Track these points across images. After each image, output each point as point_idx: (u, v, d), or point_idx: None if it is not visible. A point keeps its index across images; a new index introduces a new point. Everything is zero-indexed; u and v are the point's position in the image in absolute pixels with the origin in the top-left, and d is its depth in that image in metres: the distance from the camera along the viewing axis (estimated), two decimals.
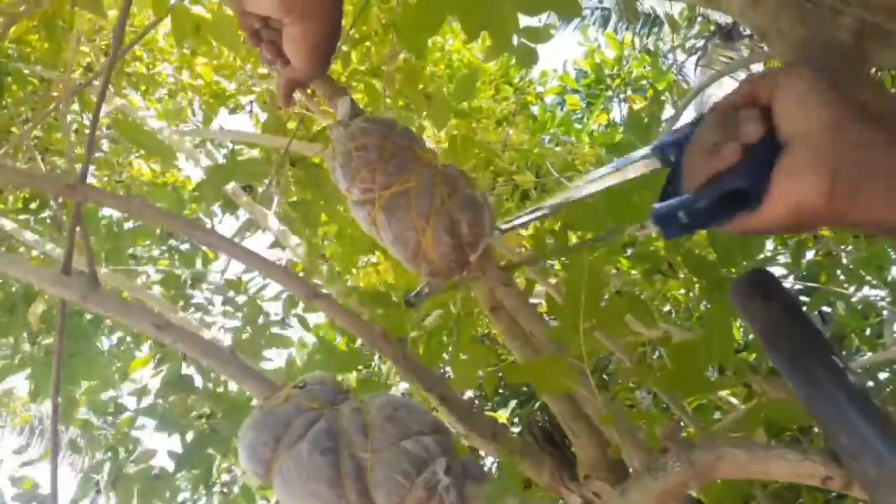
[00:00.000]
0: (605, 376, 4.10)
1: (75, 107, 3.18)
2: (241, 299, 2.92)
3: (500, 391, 5.04)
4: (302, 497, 0.73)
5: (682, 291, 2.91)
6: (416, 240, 0.91)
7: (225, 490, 3.40)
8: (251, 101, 3.15)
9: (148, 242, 3.25)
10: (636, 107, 6.22)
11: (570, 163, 3.52)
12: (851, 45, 1.23)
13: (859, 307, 3.19)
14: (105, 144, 3.85)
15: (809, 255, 3.28)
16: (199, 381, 2.81)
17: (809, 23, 1.00)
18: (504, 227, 0.92)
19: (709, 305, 1.52)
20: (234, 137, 2.80)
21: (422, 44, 1.38)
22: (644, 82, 6.61)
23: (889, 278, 2.97)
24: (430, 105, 1.73)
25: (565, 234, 2.00)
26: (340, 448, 0.73)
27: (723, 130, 0.52)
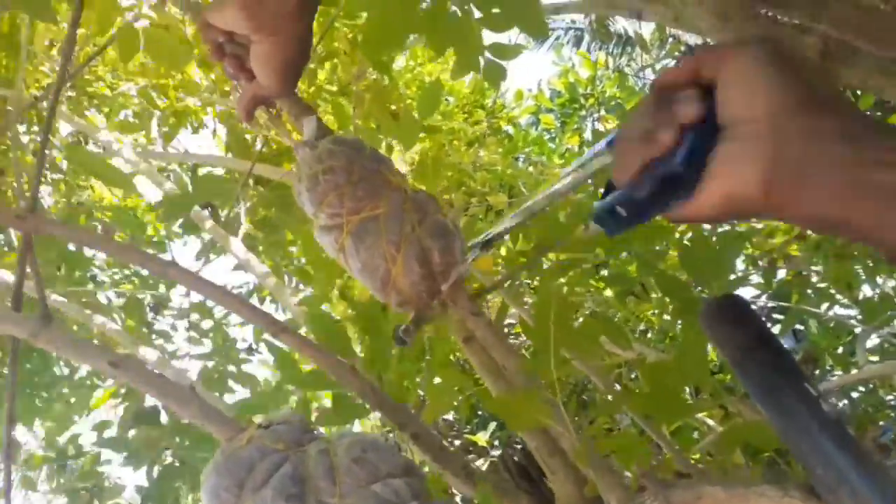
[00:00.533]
0: (584, 397, 4.08)
1: (36, 126, 3.10)
2: (206, 324, 2.85)
3: (479, 413, 4.99)
4: None
5: (656, 312, 2.91)
6: (385, 268, 0.87)
7: None
8: (215, 122, 3.11)
9: (105, 267, 3.16)
10: (609, 126, 6.29)
11: (541, 182, 3.53)
12: (817, 63, 1.24)
13: (831, 325, 3.23)
14: (65, 165, 3.76)
15: (781, 273, 3.32)
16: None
17: (777, 40, 1.00)
18: (481, 240, 0.88)
19: (683, 327, 1.51)
20: (199, 160, 2.75)
21: (387, 60, 1.36)
22: (616, 102, 6.70)
23: (860, 297, 3.02)
24: (398, 125, 1.71)
25: (538, 255, 1.98)
26: (307, 494, 0.70)
27: (660, 113, 0.48)
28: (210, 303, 2.86)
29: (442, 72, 3.48)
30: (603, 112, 6.65)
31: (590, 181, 0.70)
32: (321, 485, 0.70)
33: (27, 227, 0.81)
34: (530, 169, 3.99)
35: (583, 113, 6.82)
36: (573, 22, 11.43)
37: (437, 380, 1.67)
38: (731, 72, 0.45)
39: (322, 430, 0.89)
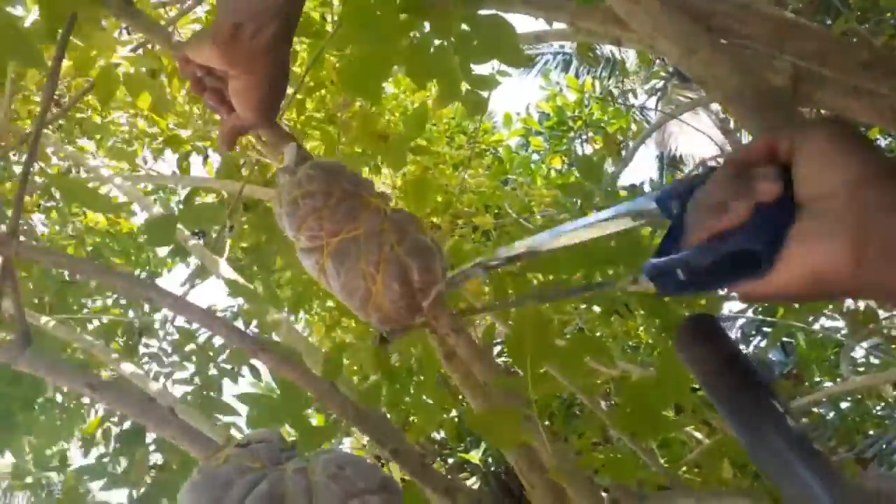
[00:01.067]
0: (575, 410, 4.06)
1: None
2: (190, 347, 2.83)
3: (473, 431, 4.96)
4: None
5: (643, 328, 2.93)
6: (365, 288, 0.89)
7: None
8: (207, 149, 3.12)
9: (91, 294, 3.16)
10: (597, 147, 6.36)
11: (526, 204, 3.56)
12: (789, 89, 1.27)
13: (819, 337, 3.25)
14: (58, 194, 3.76)
15: None
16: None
17: (745, 69, 1.03)
18: (479, 264, 0.89)
19: (662, 345, 1.53)
20: (188, 183, 2.76)
21: (373, 89, 1.38)
22: (603, 124, 6.78)
23: (845, 309, 3.04)
24: (385, 147, 1.73)
25: (525, 278, 1.99)
26: None
27: (734, 187, 0.48)
28: (193, 326, 2.85)
29: (427, 98, 3.53)
30: (591, 134, 6.72)
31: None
32: (298, 502, 0.70)
33: (7, 251, 0.82)
34: (516, 191, 4.03)
35: (571, 135, 6.89)
36: (561, 47, 11.59)
37: (426, 399, 1.68)
38: (808, 150, 0.45)
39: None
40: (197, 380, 2.63)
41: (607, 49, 11.04)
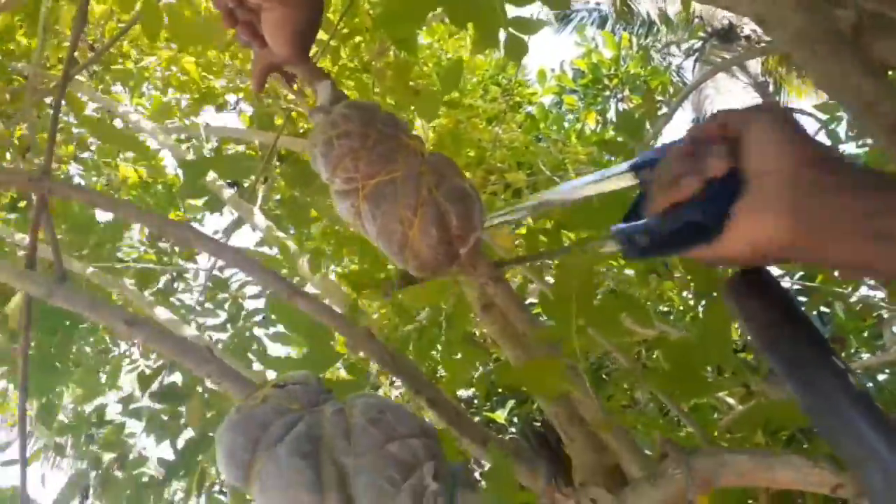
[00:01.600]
0: (604, 376, 4.05)
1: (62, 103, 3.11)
2: (223, 296, 2.85)
3: (499, 391, 4.99)
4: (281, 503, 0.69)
5: (676, 291, 2.88)
6: (402, 232, 0.86)
7: (225, 489, 3.33)
8: (238, 100, 3.11)
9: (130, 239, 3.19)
10: (633, 106, 6.20)
11: (560, 161, 3.49)
12: (849, 38, 1.20)
13: (857, 308, 3.17)
14: (93, 144, 3.79)
15: None
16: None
17: (809, 11, 0.96)
18: (490, 222, 0.88)
19: (705, 305, 1.48)
20: (221, 134, 2.75)
21: (409, 37, 1.33)
22: (640, 82, 6.59)
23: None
24: (418, 99, 1.69)
25: (558, 234, 1.96)
26: (321, 452, 0.69)
27: (688, 162, 0.52)
28: (226, 274, 2.87)
29: (461, 48, 3.45)
30: (627, 92, 6.55)
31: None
32: (336, 444, 0.69)
33: (40, 188, 0.81)
34: (549, 148, 3.94)
35: (606, 93, 6.72)
36: (597, 3, 11.28)
37: (455, 356, 1.67)
38: (755, 131, 0.50)
39: None
40: (230, 327, 2.65)
41: (644, 8, 10.72)
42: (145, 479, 2.66)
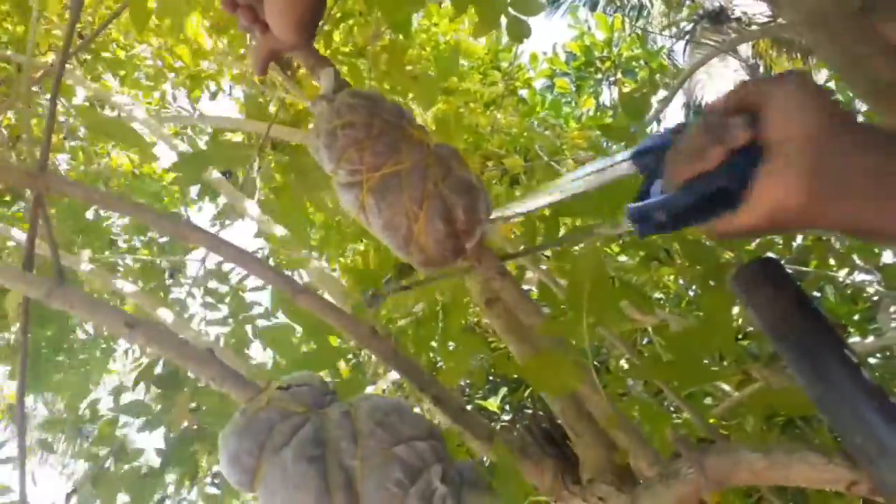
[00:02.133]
0: (595, 363, 4.04)
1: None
2: (223, 289, 2.83)
3: (490, 378, 5.00)
4: None
5: (672, 279, 2.88)
6: (408, 226, 0.84)
7: (216, 481, 3.34)
8: (230, 86, 3.07)
9: (122, 233, 3.16)
10: (626, 90, 6.15)
11: (558, 147, 3.46)
12: (857, 15, 1.18)
13: (849, 292, 3.19)
14: (83, 132, 3.74)
15: (800, 240, 3.26)
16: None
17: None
18: (494, 215, 0.87)
19: (705, 292, 1.48)
20: (215, 123, 2.71)
21: (405, 20, 1.31)
22: (634, 65, 6.55)
23: (881, 263, 2.97)
24: (415, 85, 1.66)
25: (556, 222, 1.95)
26: (328, 456, 0.68)
27: (711, 134, 0.53)
28: (226, 267, 2.85)
29: (457, 32, 3.41)
30: (619, 75, 6.51)
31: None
32: (343, 447, 0.68)
33: (38, 185, 0.79)
34: (547, 132, 3.92)
35: (598, 76, 6.67)
36: None
37: (451, 346, 1.66)
38: (774, 99, 0.50)
39: None
40: (231, 321, 2.63)
41: None
42: (144, 470, 2.65)
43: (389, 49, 2.02)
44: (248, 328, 2.66)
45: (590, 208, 1.49)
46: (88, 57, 3.21)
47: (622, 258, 2.53)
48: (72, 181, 0.79)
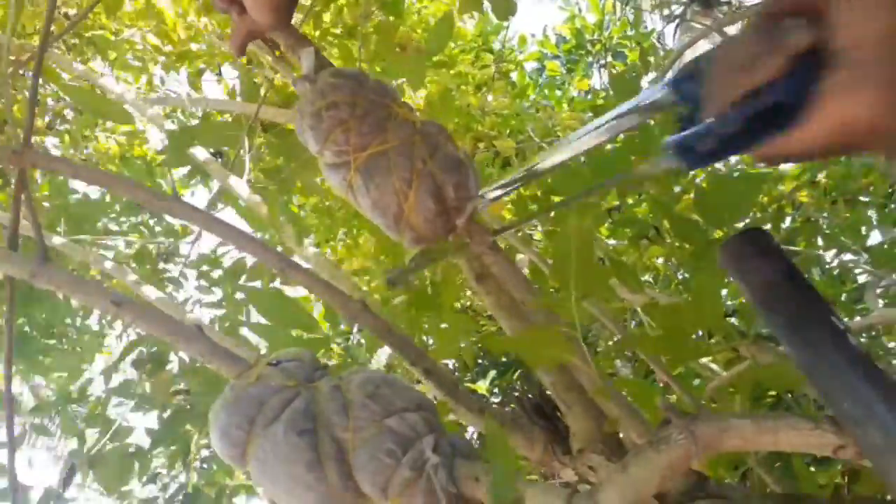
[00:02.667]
0: (585, 342, 4.06)
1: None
2: (216, 273, 2.82)
3: (479, 361, 5.01)
4: (280, 481, 0.68)
5: (661, 260, 2.89)
6: (397, 205, 0.84)
7: (205, 465, 3.35)
8: (220, 66, 3.04)
9: (116, 215, 3.12)
10: (616, 72, 6.13)
11: (550, 129, 3.46)
12: None
13: (835, 273, 3.21)
14: (70, 115, 3.69)
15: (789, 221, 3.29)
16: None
17: None
18: (492, 194, 0.86)
19: (696, 270, 1.48)
20: (204, 105, 2.69)
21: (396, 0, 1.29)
22: (625, 44, 6.52)
23: (868, 243, 2.99)
24: (404, 60, 1.64)
25: (548, 200, 1.94)
26: (319, 429, 0.68)
27: (765, 41, 0.45)
28: (219, 252, 2.83)
29: (449, 10, 3.38)
30: (610, 58, 6.49)
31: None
32: (334, 420, 0.68)
33: (22, 162, 0.78)
34: (539, 114, 3.90)
35: (589, 59, 6.65)
36: None
37: (443, 325, 1.66)
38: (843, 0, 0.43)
39: None
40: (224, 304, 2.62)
41: None
42: (132, 449, 2.65)
43: (380, 29, 2.00)
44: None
45: (581, 185, 1.49)
46: (76, 41, 3.17)
47: (612, 242, 2.53)
48: (58, 157, 0.78)
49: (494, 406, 0.92)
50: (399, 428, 0.68)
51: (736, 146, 0.50)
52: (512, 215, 2.60)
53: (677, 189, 1.71)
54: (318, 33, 2.39)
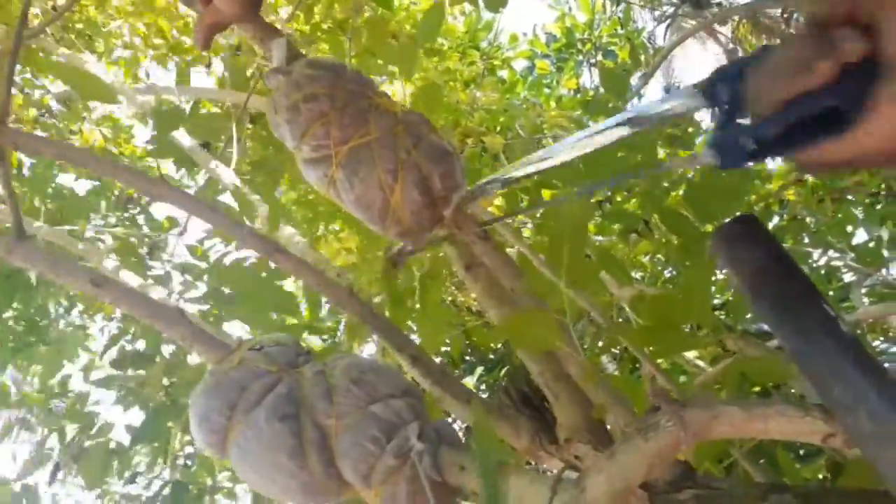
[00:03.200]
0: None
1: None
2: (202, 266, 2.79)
3: (467, 357, 5.01)
4: (261, 469, 0.66)
5: (648, 257, 2.90)
6: (383, 199, 0.81)
7: (188, 462, 3.32)
8: (210, 59, 3.01)
9: (104, 212, 3.09)
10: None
11: (538, 126, 3.45)
12: None
13: (822, 272, 3.23)
14: (55, 106, 3.66)
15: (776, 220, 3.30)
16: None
17: None
18: (487, 186, 0.84)
19: (686, 264, 1.48)
20: (193, 95, 2.66)
21: None
22: (615, 47, 6.54)
23: (854, 242, 3.01)
24: (394, 50, 1.61)
25: (539, 193, 1.94)
26: (302, 414, 0.66)
27: (816, 47, 0.45)
28: (205, 246, 2.80)
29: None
30: (600, 57, 6.49)
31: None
32: (317, 405, 0.67)
33: (3, 141, 0.76)
34: (528, 111, 3.90)
35: (579, 58, 6.65)
36: None
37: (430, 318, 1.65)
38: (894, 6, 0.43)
39: None
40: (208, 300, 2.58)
41: None
42: (113, 445, 2.62)
43: (371, 24, 1.98)
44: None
45: (573, 178, 1.48)
46: (65, 34, 3.13)
47: (599, 238, 2.53)
48: (41, 136, 0.76)
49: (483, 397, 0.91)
50: (384, 414, 0.66)
51: (778, 148, 0.50)
52: (499, 211, 2.59)
53: (666, 184, 1.71)
54: (308, 28, 2.37)
